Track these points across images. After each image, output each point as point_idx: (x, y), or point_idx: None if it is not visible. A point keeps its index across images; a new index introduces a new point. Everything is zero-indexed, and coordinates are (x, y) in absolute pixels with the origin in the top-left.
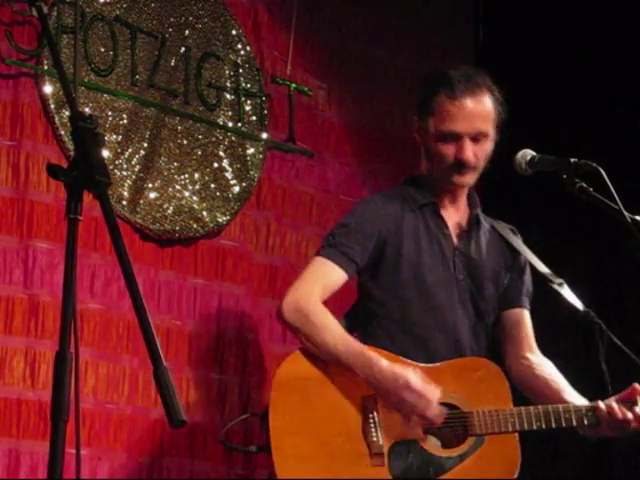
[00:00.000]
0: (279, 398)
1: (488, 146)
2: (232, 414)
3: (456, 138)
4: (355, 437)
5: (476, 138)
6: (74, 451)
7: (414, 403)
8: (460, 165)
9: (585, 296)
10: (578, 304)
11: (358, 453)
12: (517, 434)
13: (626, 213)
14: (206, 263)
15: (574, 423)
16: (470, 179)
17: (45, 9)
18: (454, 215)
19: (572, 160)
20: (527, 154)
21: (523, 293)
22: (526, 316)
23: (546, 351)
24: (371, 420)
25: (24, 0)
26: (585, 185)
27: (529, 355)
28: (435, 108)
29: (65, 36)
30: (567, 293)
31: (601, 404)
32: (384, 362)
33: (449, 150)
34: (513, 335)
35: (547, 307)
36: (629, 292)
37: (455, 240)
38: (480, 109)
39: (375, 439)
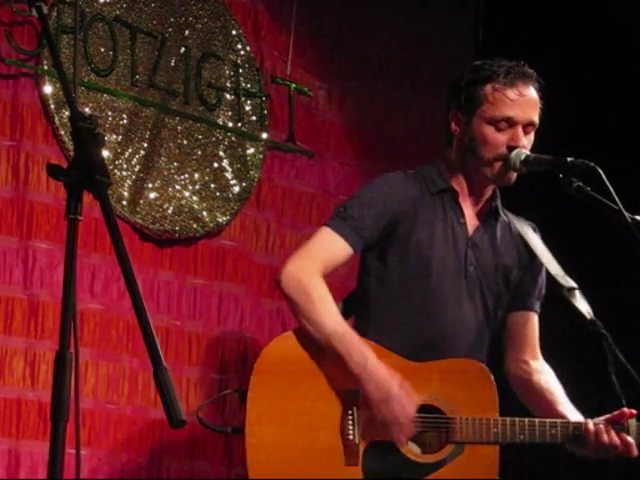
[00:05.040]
0: (261, 381)
1: (532, 139)
2: (232, 414)
3: (510, 125)
4: (332, 432)
5: (526, 128)
6: (74, 451)
7: (395, 411)
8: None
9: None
10: (586, 312)
11: (332, 450)
12: (498, 446)
13: (626, 213)
14: (206, 263)
15: (559, 439)
16: (515, 176)
17: (45, 9)
18: (473, 205)
19: (569, 159)
20: (521, 153)
21: (534, 295)
22: (534, 320)
23: (551, 357)
24: (350, 416)
25: (24, 0)
26: (583, 184)
27: (530, 360)
28: (486, 96)
29: (65, 36)
30: (577, 299)
31: (589, 424)
32: (376, 361)
33: (502, 137)
34: (517, 337)
35: (557, 311)
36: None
37: (470, 231)
38: (533, 98)
39: (352, 437)
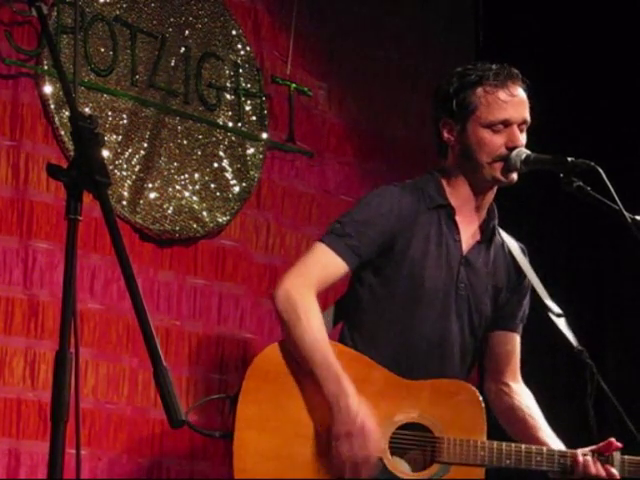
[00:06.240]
0: (251, 387)
1: (525, 137)
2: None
3: (506, 126)
4: (319, 443)
5: (520, 127)
6: (74, 451)
7: (356, 450)
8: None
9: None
10: (573, 340)
11: (319, 461)
12: (484, 469)
13: (626, 213)
14: (206, 263)
15: (544, 467)
16: (516, 176)
17: (45, 9)
18: (470, 223)
19: (569, 159)
20: (522, 152)
21: (518, 317)
22: (516, 341)
23: (534, 380)
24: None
25: (24, 0)
26: (583, 184)
27: (511, 382)
28: (479, 100)
29: (65, 36)
30: (564, 327)
31: (575, 453)
32: (350, 395)
33: (499, 139)
34: (498, 358)
35: (542, 335)
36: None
37: (465, 248)
38: (523, 97)
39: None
